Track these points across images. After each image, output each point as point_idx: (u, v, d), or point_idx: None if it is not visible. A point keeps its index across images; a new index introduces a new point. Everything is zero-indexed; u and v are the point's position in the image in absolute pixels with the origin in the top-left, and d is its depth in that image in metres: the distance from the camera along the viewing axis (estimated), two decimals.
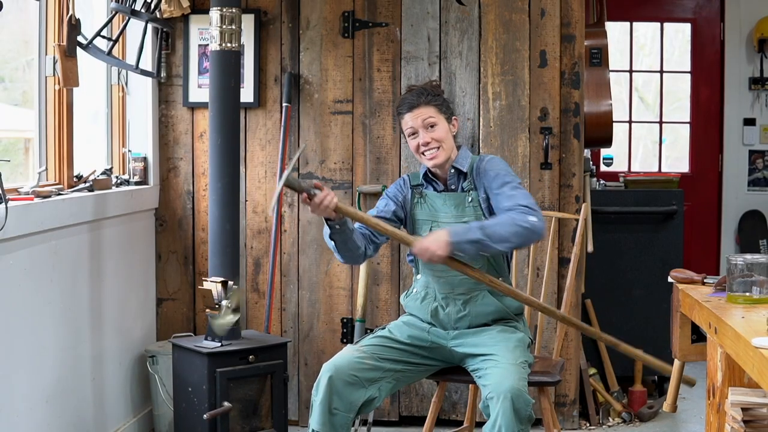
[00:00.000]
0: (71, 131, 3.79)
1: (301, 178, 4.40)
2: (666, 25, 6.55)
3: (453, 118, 3.30)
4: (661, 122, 6.62)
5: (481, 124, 4.30)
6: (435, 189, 3.31)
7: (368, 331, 3.93)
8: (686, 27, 6.55)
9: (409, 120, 3.24)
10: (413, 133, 3.25)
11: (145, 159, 4.36)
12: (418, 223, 3.30)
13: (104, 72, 4.28)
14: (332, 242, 3.16)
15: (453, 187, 3.29)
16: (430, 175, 3.31)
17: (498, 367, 3.01)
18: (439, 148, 3.22)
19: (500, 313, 3.25)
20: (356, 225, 3.21)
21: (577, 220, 3.71)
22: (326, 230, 3.14)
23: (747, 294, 2.45)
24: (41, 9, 3.64)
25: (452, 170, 3.28)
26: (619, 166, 6.34)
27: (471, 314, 3.23)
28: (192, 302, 4.50)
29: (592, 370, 4.69)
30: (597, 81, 4.78)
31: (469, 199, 3.24)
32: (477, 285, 3.22)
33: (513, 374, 2.96)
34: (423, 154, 3.24)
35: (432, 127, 3.22)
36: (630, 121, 6.59)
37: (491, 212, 3.23)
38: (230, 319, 3.73)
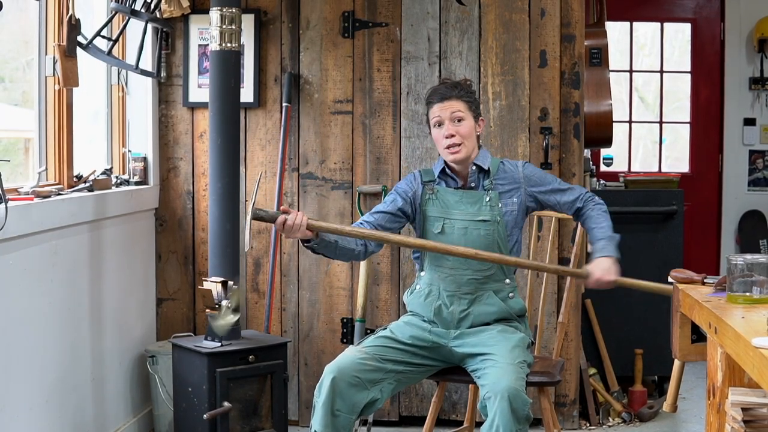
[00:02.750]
0: (71, 131, 3.79)
1: (303, 178, 4.41)
2: (666, 25, 6.55)
3: (480, 119, 3.31)
4: (661, 122, 6.62)
5: None
6: (449, 185, 3.31)
7: (368, 331, 3.94)
8: (686, 27, 6.56)
9: (438, 110, 3.25)
10: (439, 124, 3.25)
11: (145, 159, 4.36)
12: (429, 219, 3.28)
13: (104, 72, 4.28)
14: (321, 255, 3.20)
15: (473, 184, 3.29)
16: (448, 171, 3.31)
17: (496, 367, 3.02)
18: (461, 144, 3.23)
19: (503, 314, 3.26)
20: (369, 218, 3.26)
21: None
22: None
23: (747, 294, 2.45)
24: (41, 9, 3.64)
25: (473, 167, 3.28)
26: (619, 166, 6.34)
27: (474, 313, 3.23)
28: (192, 302, 4.50)
29: (592, 370, 4.69)
30: (597, 81, 4.78)
31: (488, 199, 3.24)
32: (483, 285, 3.23)
33: (510, 374, 2.96)
34: (445, 148, 3.24)
35: (459, 121, 3.24)
36: (630, 121, 6.59)
37: (525, 213, 3.31)
38: (230, 319, 3.73)
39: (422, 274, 3.33)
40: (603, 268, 3.16)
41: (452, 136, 3.22)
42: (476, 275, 3.22)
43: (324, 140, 4.39)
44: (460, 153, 3.23)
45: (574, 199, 3.31)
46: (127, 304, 4.17)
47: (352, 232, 3.12)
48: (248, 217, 3.01)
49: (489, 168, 3.28)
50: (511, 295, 3.27)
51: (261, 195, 4.42)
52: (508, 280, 3.26)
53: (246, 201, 4.41)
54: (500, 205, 3.24)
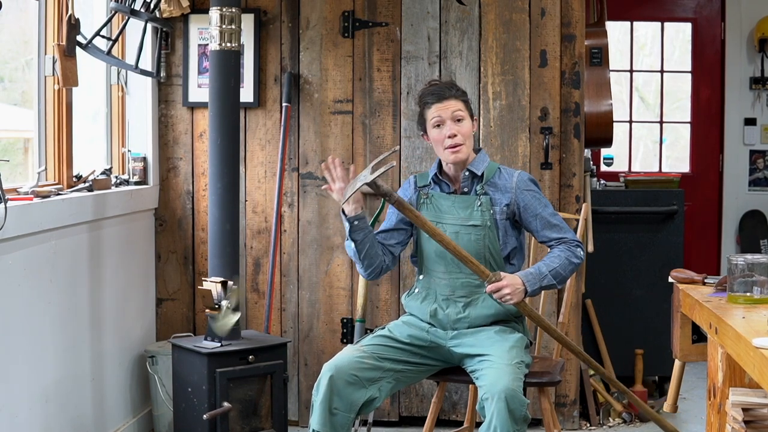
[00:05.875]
0: (71, 131, 3.79)
1: (303, 178, 4.40)
2: (666, 24, 6.55)
3: (474, 118, 3.28)
4: (661, 122, 6.62)
5: (481, 124, 4.29)
6: (443, 190, 3.29)
7: (368, 331, 3.93)
8: (687, 27, 6.55)
9: (437, 110, 3.21)
10: (439, 124, 3.21)
11: (144, 159, 4.36)
12: None
13: (104, 72, 4.27)
14: (353, 243, 3.18)
15: (465, 189, 3.26)
16: (440, 176, 3.29)
17: (493, 367, 3.01)
18: (463, 144, 3.20)
19: (500, 316, 3.25)
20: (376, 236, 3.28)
21: (578, 220, 3.70)
22: (348, 243, 3.20)
23: (748, 294, 2.45)
24: (41, 9, 3.63)
25: (466, 173, 3.25)
26: (619, 166, 6.33)
27: (470, 316, 3.23)
28: (192, 302, 4.50)
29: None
30: (597, 81, 4.78)
31: (479, 203, 3.21)
32: (478, 288, 3.22)
33: (508, 375, 2.96)
34: (446, 148, 3.20)
35: (459, 121, 3.21)
36: (630, 121, 6.59)
37: (513, 221, 3.24)
38: (231, 318, 3.73)
39: (420, 277, 3.33)
40: (509, 283, 3.09)
41: (455, 135, 3.19)
42: (470, 278, 3.21)
43: (324, 140, 4.38)
44: (462, 153, 3.20)
45: (557, 238, 3.23)
46: (127, 305, 4.17)
47: (436, 233, 3.08)
48: (360, 182, 3.00)
49: (483, 173, 3.25)
50: None
51: (261, 195, 4.42)
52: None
53: (246, 201, 4.40)
54: (492, 211, 3.21)
